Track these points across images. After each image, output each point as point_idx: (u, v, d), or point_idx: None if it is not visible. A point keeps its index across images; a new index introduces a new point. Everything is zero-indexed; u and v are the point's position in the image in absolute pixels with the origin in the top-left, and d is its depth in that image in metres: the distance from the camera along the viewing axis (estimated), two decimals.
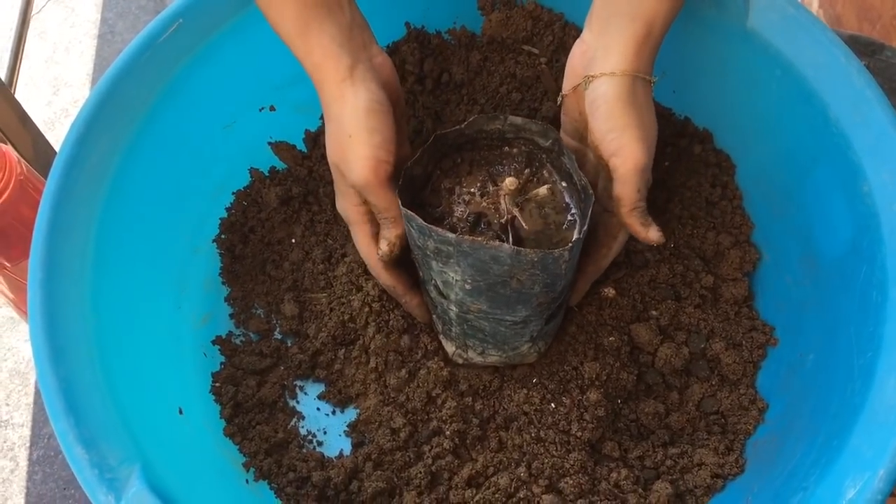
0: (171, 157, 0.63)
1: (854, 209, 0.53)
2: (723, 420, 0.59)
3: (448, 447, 0.57)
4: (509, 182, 0.52)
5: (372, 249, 0.58)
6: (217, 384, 0.62)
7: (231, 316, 0.66)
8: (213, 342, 0.64)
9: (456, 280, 0.52)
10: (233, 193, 0.69)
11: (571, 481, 0.55)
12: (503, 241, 0.52)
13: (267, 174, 0.70)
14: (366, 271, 0.62)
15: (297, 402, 0.63)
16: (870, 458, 0.45)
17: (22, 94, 1.19)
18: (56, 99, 1.23)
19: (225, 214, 0.68)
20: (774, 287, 0.62)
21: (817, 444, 0.50)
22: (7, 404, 0.98)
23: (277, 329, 0.65)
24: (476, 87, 0.68)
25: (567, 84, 0.57)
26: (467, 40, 0.69)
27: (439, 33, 0.70)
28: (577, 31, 0.67)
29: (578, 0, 0.59)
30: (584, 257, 0.58)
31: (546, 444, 0.57)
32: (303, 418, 0.62)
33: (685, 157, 0.66)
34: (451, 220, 0.55)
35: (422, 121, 0.68)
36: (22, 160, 0.76)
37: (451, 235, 0.49)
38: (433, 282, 0.55)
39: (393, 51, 0.69)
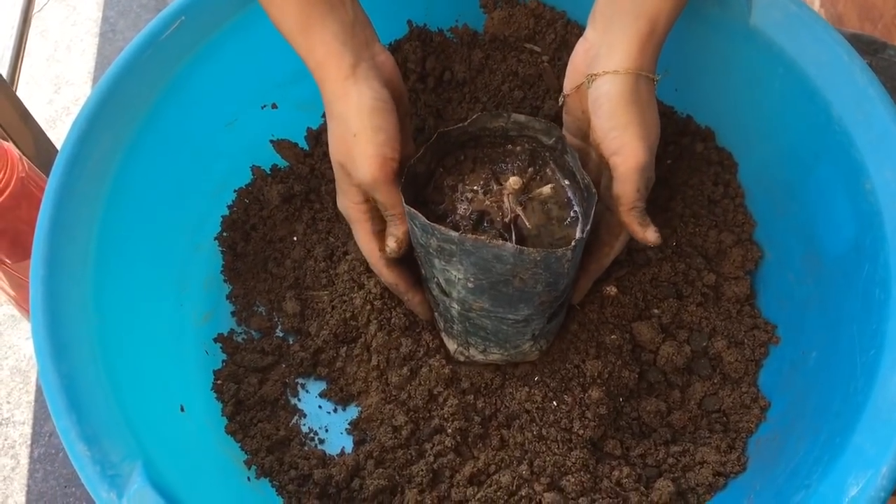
0: (172, 155, 0.63)
1: (857, 207, 0.53)
2: (725, 418, 0.59)
3: (450, 445, 0.57)
4: (513, 181, 0.52)
5: (373, 247, 0.58)
6: (219, 382, 0.62)
7: (233, 313, 0.66)
8: (215, 340, 0.64)
9: (458, 278, 0.52)
10: (234, 191, 0.69)
11: (573, 479, 0.55)
12: (506, 240, 0.52)
13: (269, 172, 0.70)
14: (367, 269, 0.62)
15: (299, 400, 0.63)
16: (872, 456, 0.45)
17: (23, 93, 1.19)
18: (57, 97, 1.24)
19: (227, 212, 0.68)
20: (777, 285, 0.62)
21: (819, 442, 0.50)
22: (8, 402, 0.98)
23: (279, 327, 0.65)
24: (478, 85, 0.68)
25: (569, 82, 0.57)
26: (469, 38, 0.69)
27: (441, 31, 0.70)
28: (580, 30, 0.67)
29: None
30: (587, 255, 0.58)
31: (548, 442, 0.57)
32: (304, 416, 0.62)
33: (687, 155, 0.66)
34: (453, 217, 0.55)
35: (424, 119, 0.68)
36: (24, 158, 0.76)
37: (454, 234, 0.49)
38: (435, 280, 0.55)
39: (395, 49, 0.68)
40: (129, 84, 0.58)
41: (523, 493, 0.55)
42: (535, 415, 0.58)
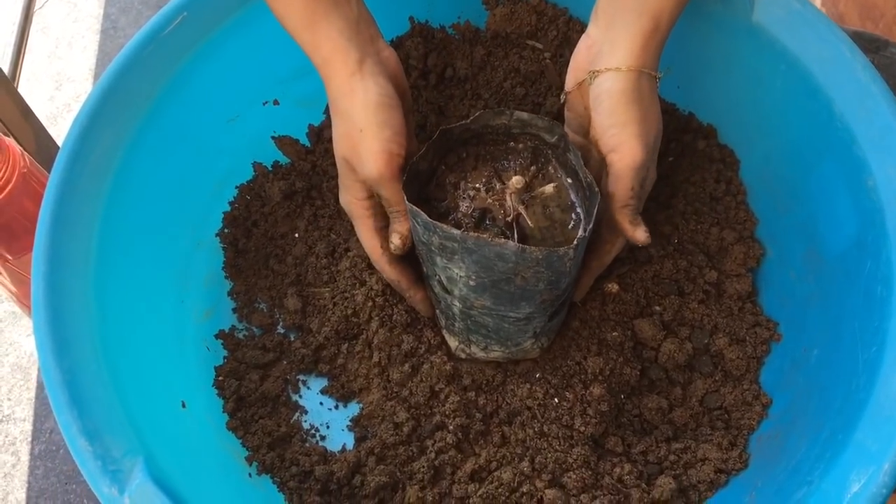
0: (174, 152, 0.63)
1: (859, 204, 0.53)
2: (726, 415, 0.59)
3: (451, 442, 0.57)
4: (516, 181, 0.52)
5: (376, 244, 0.58)
6: (220, 378, 0.62)
7: (234, 310, 0.66)
8: (216, 336, 0.64)
9: (460, 276, 0.52)
10: (236, 188, 0.69)
11: (574, 476, 0.55)
12: (508, 238, 0.52)
13: (270, 168, 0.70)
14: (369, 266, 0.62)
15: (300, 397, 0.63)
16: (874, 453, 0.45)
17: (24, 89, 1.18)
18: (58, 94, 1.23)
19: (228, 209, 0.68)
20: (778, 282, 0.62)
21: (821, 439, 0.50)
22: (9, 399, 0.98)
23: (280, 323, 0.65)
24: (480, 81, 0.68)
25: (571, 79, 0.57)
26: (471, 35, 0.69)
27: (443, 28, 0.70)
28: (582, 26, 0.67)
29: None
30: (589, 253, 0.58)
31: (549, 438, 0.57)
32: (306, 413, 0.62)
33: (689, 152, 0.66)
34: (455, 215, 0.55)
35: (425, 116, 0.68)
36: (25, 153, 0.76)
37: (456, 232, 0.49)
38: (437, 277, 0.55)
39: (397, 45, 0.68)
40: (130, 80, 0.58)
41: (524, 490, 0.55)
42: (537, 411, 0.58)
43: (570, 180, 0.55)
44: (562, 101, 0.59)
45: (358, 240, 0.60)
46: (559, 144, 0.55)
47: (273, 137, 0.70)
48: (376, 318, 0.61)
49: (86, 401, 0.49)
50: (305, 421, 0.62)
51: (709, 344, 0.61)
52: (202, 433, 0.58)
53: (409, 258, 0.59)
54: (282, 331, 0.65)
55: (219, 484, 0.56)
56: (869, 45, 0.73)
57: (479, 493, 0.55)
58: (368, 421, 0.60)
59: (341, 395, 0.62)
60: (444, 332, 0.61)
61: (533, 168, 0.55)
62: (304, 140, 0.71)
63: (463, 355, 0.60)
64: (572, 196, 0.55)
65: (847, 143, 0.54)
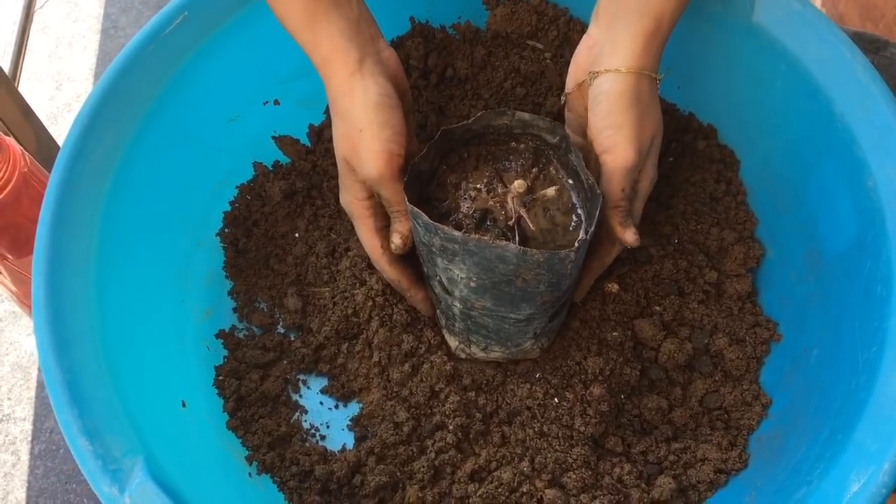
0: (174, 151, 0.63)
1: (859, 204, 0.53)
2: (726, 415, 0.59)
3: (451, 441, 0.57)
4: (518, 185, 0.52)
5: (376, 244, 0.58)
6: (220, 378, 0.62)
7: (234, 310, 0.66)
8: (217, 336, 0.64)
9: (461, 277, 0.52)
10: (236, 187, 0.69)
11: (574, 476, 0.55)
12: (509, 239, 0.52)
13: (271, 168, 0.70)
14: (369, 265, 0.62)
15: (300, 397, 0.63)
16: (874, 453, 0.45)
17: (25, 89, 1.18)
18: (59, 94, 1.23)
19: (228, 208, 0.68)
20: (778, 283, 0.62)
21: (821, 439, 0.50)
22: (9, 398, 0.98)
23: (280, 323, 0.65)
24: (480, 82, 0.68)
25: (572, 80, 0.57)
26: (472, 35, 0.69)
27: (444, 28, 0.70)
28: (582, 27, 0.67)
29: None
30: (589, 254, 0.58)
31: (549, 438, 0.57)
32: (306, 412, 0.62)
33: (689, 152, 0.66)
34: (457, 215, 0.55)
35: (426, 116, 0.68)
36: (26, 153, 0.76)
37: (457, 234, 0.48)
38: (437, 278, 0.55)
39: (397, 45, 0.69)
40: (131, 80, 0.58)
41: (524, 490, 0.55)
42: (537, 411, 0.58)
43: (571, 181, 0.55)
44: (562, 102, 0.59)
45: (358, 239, 0.60)
46: (561, 145, 0.55)
47: (273, 137, 0.70)
48: (376, 317, 0.61)
49: (86, 400, 0.49)
50: (305, 420, 0.62)
51: (709, 344, 0.61)
52: (202, 433, 0.58)
53: (409, 258, 0.59)
54: (282, 330, 0.65)
55: (219, 483, 0.56)
56: (869, 45, 0.73)
57: (479, 492, 0.55)
58: (368, 420, 0.60)
59: (341, 394, 0.62)
60: (444, 331, 0.61)
61: (535, 170, 0.55)
62: (305, 140, 0.71)
63: (463, 355, 0.60)
64: (574, 198, 0.55)
65: (847, 143, 0.54)
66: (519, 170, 0.56)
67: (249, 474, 0.58)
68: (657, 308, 0.61)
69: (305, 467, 0.58)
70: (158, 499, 0.47)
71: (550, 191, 0.53)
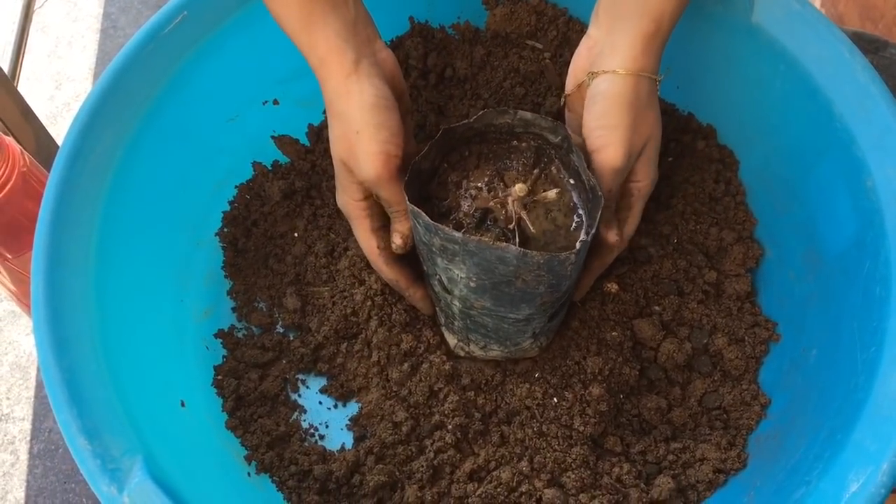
0: (174, 151, 0.63)
1: (858, 204, 0.53)
2: (725, 415, 0.59)
3: (450, 441, 0.57)
4: (519, 188, 0.52)
5: (373, 244, 0.58)
6: (219, 377, 0.62)
7: (233, 309, 0.66)
8: (216, 335, 0.64)
9: (461, 277, 0.52)
10: (236, 187, 0.69)
11: (573, 475, 0.55)
12: (509, 239, 0.52)
13: (270, 168, 0.70)
14: (368, 265, 0.62)
15: (299, 396, 0.63)
16: (873, 453, 0.45)
17: (24, 89, 1.18)
18: (58, 93, 1.23)
19: (228, 208, 0.68)
20: (777, 282, 0.62)
21: (820, 439, 0.50)
22: (8, 398, 0.98)
23: (280, 323, 0.65)
24: (479, 81, 0.68)
25: (571, 81, 0.57)
26: (471, 35, 0.69)
27: (443, 28, 0.70)
28: (581, 27, 0.67)
29: None
30: (590, 253, 0.58)
31: (548, 438, 0.57)
32: (305, 412, 0.62)
33: (689, 152, 0.66)
34: (457, 214, 0.55)
35: (425, 116, 0.68)
36: (25, 152, 0.76)
37: (457, 234, 0.48)
38: (437, 277, 0.55)
39: (397, 45, 0.69)
40: (130, 79, 0.58)
41: (523, 490, 0.55)
42: (536, 411, 0.58)
43: (572, 182, 0.55)
44: (562, 103, 0.60)
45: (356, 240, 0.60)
46: (563, 145, 0.54)
47: (273, 137, 0.70)
48: (375, 317, 0.61)
49: (85, 399, 0.49)
50: (304, 420, 0.62)
51: (708, 344, 0.61)
52: (201, 432, 0.58)
53: (407, 257, 0.59)
54: (281, 330, 0.65)
55: (218, 483, 0.56)
56: (868, 45, 0.73)
57: (478, 492, 0.55)
58: (367, 420, 0.60)
59: (340, 394, 0.62)
60: (443, 329, 0.61)
61: (535, 171, 0.55)
62: (304, 140, 0.71)
63: (462, 353, 0.60)
64: (575, 198, 0.55)
65: (846, 143, 0.54)
66: (520, 169, 0.56)
67: (248, 474, 0.58)
68: (656, 308, 0.61)
69: (304, 467, 0.58)
70: (157, 498, 0.46)
71: (551, 193, 0.53)
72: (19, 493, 0.93)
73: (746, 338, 0.61)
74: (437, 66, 0.69)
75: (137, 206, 0.59)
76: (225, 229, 0.68)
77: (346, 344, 0.62)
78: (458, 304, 0.55)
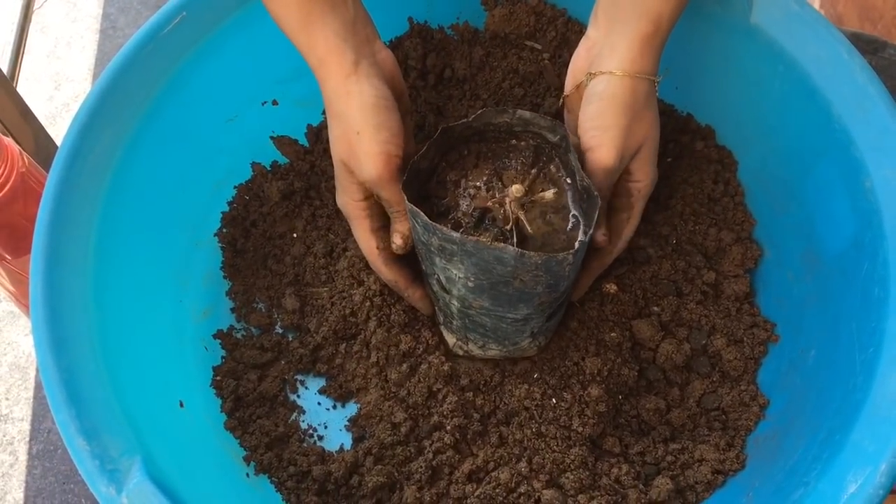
0: (173, 151, 0.63)
1: (856, 205, 0.53)
2: (724, 416, 0.59)
3: (449, 442, 0.57)
4: (515, 189, 0.52)
5: (372, 245, 0.58)
6: (218, 378, 0.62)
7: (232, 310, 0.66)
8: (215, 336, 0.64)
9: (459, 277, 0.52)
10: (235, 187, 0.69)
11: (572, 476, 0.55)
12: (508, 238, 0.52)
13: (269, 168, 0.70)
14: (367, 266, 0.62)
15: (298, 397, 0.63)
16: (871, 453, 0.45)
17: (23, 89, 1.18)
18: (57, 94, 1.23)
19: (227, 208, 0.68)
20: (776, 283, 0.62)
21: (819, 440, 0.50)
22: (7, 399, 0.98)
23: (278, 323, 0.65)
24: (478, 82, 0.68)
25: (570, 82, 0.57)
26: (470, 36, 0.69)
27: (442, 28, 0.70)
28: (580, 27, 0.67)
29: None
30: (590, 253, 0.58)
31: (547, 439, 0.57)
32: (303, 413, 0.62)
33: (687, 153, 0.66)
34: (456, 214, 0.55)
35: (424, 116, 0.68)
36: (24, 153, 0.76)
37: (455, 235, 0.48)
38: (436, 276, 0.55)
39: (396, 46, 0.69)
40: (129, 80, 0.58)
41: (522, 490, 0.55)
42: (535, 412, 0.58)
43: (570, 181, 0.55)
44: (560, 103, 0.60)
45: (356, 240, 0.60)
46: (561, 144, 0.54)
47: (272, 137, 0.70)
48: (374, 318, 0.61)
49: (84, 400, 0.49)
50: (303, 421, 0.62)
51: (706, 345, 0.61)
52: (200, 433, 0.58)
53: (406, 258, 0.59)
54: (280, 331, 0.65)
55: (216, 484, 0.56)
56: (867, 46, 0.73)
57: (477, 493, 0.55)
58: (366, 421, 0.60)
59: (339, 395, 0.62)
60: (441, 328, 0.61)
61: (534, 171, 0.55)
62: (303, 140, 0.71)
63: (460, 352, 0.60)
64: (572, 199, 0.55)
65: (845, 144, 0.54)
66: (519, 168, 0.56)
67: (247, 474, 0.58)
68: (655, 309, 0.61)
69: (303, 468, 0.58)
70: (156, 499, 0.46)
71: (549, 193, 0.53)
72: (18, 493, 0.93)
73: (745, 338, 0.61)
74: (436, 67, 0.69)
75: (136, 207, 0.59)
76: (224, 230, 0.68)
77: (344, 345, 0.62)
78: (456, 303, 0.55)
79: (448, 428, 0.57)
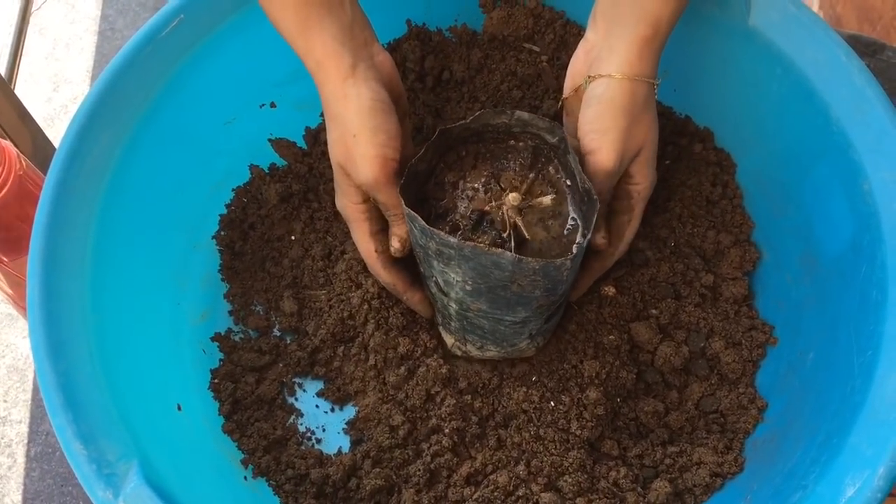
0: (171, 153, 0.63)
1: (854, 208, 0.53)
2: (722, 419, 0.59)
3: (447, 445, 0.57)
4: (512, 198, 0.52)
5: (371, 248, 0.58)
6: (216, 381, 0.62)
7: (230, 313, 0.66)
8: (212, 339, 0.64)
9: (457, 280, 0.52)
10: (233, 190, 0.69)
11: (570, 479, 0.54)
12: (506, 242, 0.52)
13: (267, 171, 0.70)
14: (365, 268, 0.62)
15: (296, 400, 0.63)
16: (869, 457, 0.45)
17: (21, 91, 1.18)
18: (56, 95, 1.23)
19: (225, 211, 0.68)
20: (774, 286, 0.62)
21: (817, 443, 0.50)
22: (5, 401, 0.98)
23: (276, 326, 0.65)
24: (477, 84, 0.68)
25: (569, 85, 0.57)
26: (468, 38, 0.69)
27: (440, 31, 0.70)
28: (579, 29, 0.67)
29: None
30: (591, 254, 0.58)
31: (545, 442, 0.56)
32: (301, 415, 0.62)
33: (686, 155, 0.66)
34: (454, 216, 0.55)
35: (422, 118, 0.68)
36: (21, 156, 0.76)
37: (452, 240, 0.48)
38: (434, 279, 0.55)
39: (394, 48, 0.68)
40: (127, 82, 0.58)
41: (520, 494, 0.55)
42: (533, 415, 0.58)
43: (569, 183, 0.55)
44: (559, 106, 0.60)
45: (354, 243, 0.60)
46: (560, 146, 0.54)
47: (270, 140, 0.70)
48: (372, 320, 0.61)
49: (81, 403, 0.49)
50: (301, 424, 0.62)
51: (705, 347, 0.61)
52: (198, 436, 0.58)
53: (404, 261, 0.59)
54: (278, 333, 0.65)
55: (214, 487, 0.56)
56: (866, 48, 0.74)
57: (475, 496, 0.55)
58: (364, 424, 0.60)
59: (337, 398, 0.62)
60: (440, 328, 0.61)
61: (532, 174, 0.55)
62: (301, 142, 0.70)
63: (459, 353, 0.60)
64: (571, 201, 0.55)
65: (843, 146, 0.54)
66: (517, 169, 0.56)
67: (245, 478, 0.58)
68: (653, 311, 0.61)
69: (301, 471, 0.58)
70: (153, 503, 0.46)
71: (546, 199, 0.53)
72: (16, 496, 0.92)
73: (743, 341, 0.61)
74: (434, 69, 0.69)
75: (134, 209, 0.59)
76: (222, 232, 0.68)
77: (342, 347, 0.62)
78: (454, 305, 0.55)
79: (446, 431, 0.57)
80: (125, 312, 0.56)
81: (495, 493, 0.55)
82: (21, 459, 0.94)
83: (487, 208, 0.54)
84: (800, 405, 0.55)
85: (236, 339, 0.65)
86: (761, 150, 0.62)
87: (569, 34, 0.67)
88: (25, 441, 0.95)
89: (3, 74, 0.94)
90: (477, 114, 0.54)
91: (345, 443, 0.61)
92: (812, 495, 0.46)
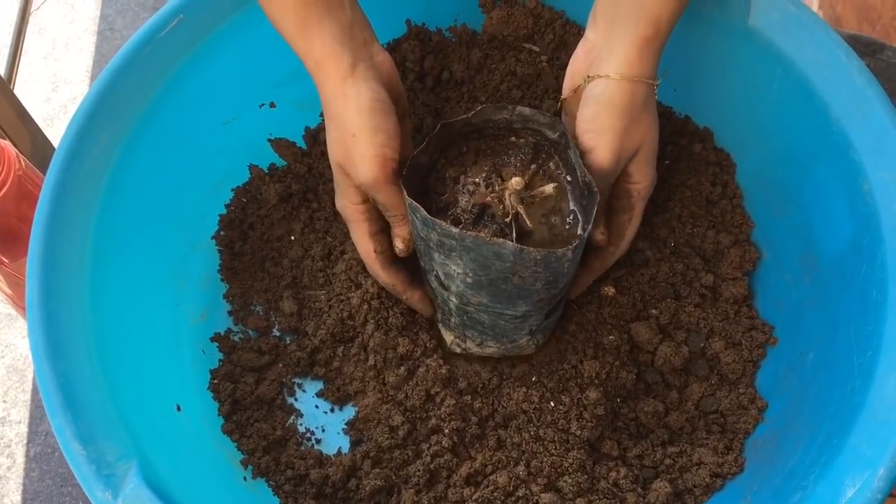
0: (170, 153, 0.62)
1: (854, 208, 0.53)
2: (722, 419, 0.59)
3: (447, 445, 0.57)
4: (515, 182, 0.52)
5: (370, 248, 0.58)
6: (215, 381, 0.62)
7: (230, 313, 0.66)
8: (212, 339, 0.64)
9: (457, 273, 0.52)
10: (232, 190, 0.69)
11: (570, 480, 0.54)
12: (507, 236, 0.52)
13: (266, 171, 0.70)
14: (365, 269, 0.62)
15: (296, 400, 0.63)
16: (869, 457, 0.45)
17: (21, 91, 1.18)
18: (55, 95, 1.23)
19: (224, 211, 0.68)
20: (774, 286, 0.62)
21: (817, 443, 0.50)
22: (4, 401, 0.98)
23: (276, 326, 0.65)
24: (476, 84, 0.68)
25: (568, 85, 0.57)
26: (468, 38, 0.69)
27: (440, 31, 0.70)
28: (579, 29, 0.67)
29: None
30: (592, 253, 0.58)
31: (545, 442, 0.56)
32: (301, 416, 0.62)
33: (685, 155, 0.66)
34: (455, 210, 0.55)
35: (422, 118, 0.68)
36: (21, 156, 0.76)
37: (454, 230, 0.48)
38: (434, 272, 0.55)
39: (393, 48, 0.68)
40: (126, 81, 0.58)
41: (520, 494, 0.54)
42: (533, 415, 0.58)
43: (570, 178, 0.55)
44: (558, 106, 0.60)
45: (353, 243, 0.60)
46: (561, 141, 0.54)
47: (269, 140, 0.70)
48: (372, 321, 0.61)
49: (80, 404, 0.49)
50: (301, 424, 0.62)
51: (705, 348, 0.61)
52: (197, 437, 0.58)
53: (404, 260, 0.59)
54: (277, 334, 0.65)
55: (214, 488, 0.55)
56: (865, 48, 0.73)
57: (475, 496, 0.55)
58: (364, 424, 0.60)
59: (337, 398, 0.62)
60: (440, 325, 0.61)
61: (533, 166, 0.55)
62: (301, 142, 0.70)
63: (458, 350, 0.60)
64: (572, 195, 0.55)
65: (843, 146, 0.54)
66: (518, 164, 0.56)
67: (244, 478, 0.58)
68: (653, 311, 0.61)
69: (301, 471, 0.58)
70: None
71: (548, 188, 0.53)
72: (16, 496, 0.92)
73: (743, 341, 0.61)
74: (433, 69, 0.69)
75: (133, 209, 0.59)
76: (221, 232, 0.68)
77: (342, 348, 0.62)
78: (454, 300, 0.55)
79: (446, 431, 0.57)
80: (124, 313, 0.56)
81: (495, 494, 0.54)
82: (20, 460, 0.94)
83: (488, 200, 0.54)
84: (800, 405, 0.55)
85: (236, 339, 0.65)
86: (761, 150, 0.62)
87: (568, 34, 0.67)
88: (25, 441, 0.95)
89: (2, 74, 0.94)
90: (478, 109, 0.54)
91: (344, 443, 0.61)
92: (812, 496, 0.46)
